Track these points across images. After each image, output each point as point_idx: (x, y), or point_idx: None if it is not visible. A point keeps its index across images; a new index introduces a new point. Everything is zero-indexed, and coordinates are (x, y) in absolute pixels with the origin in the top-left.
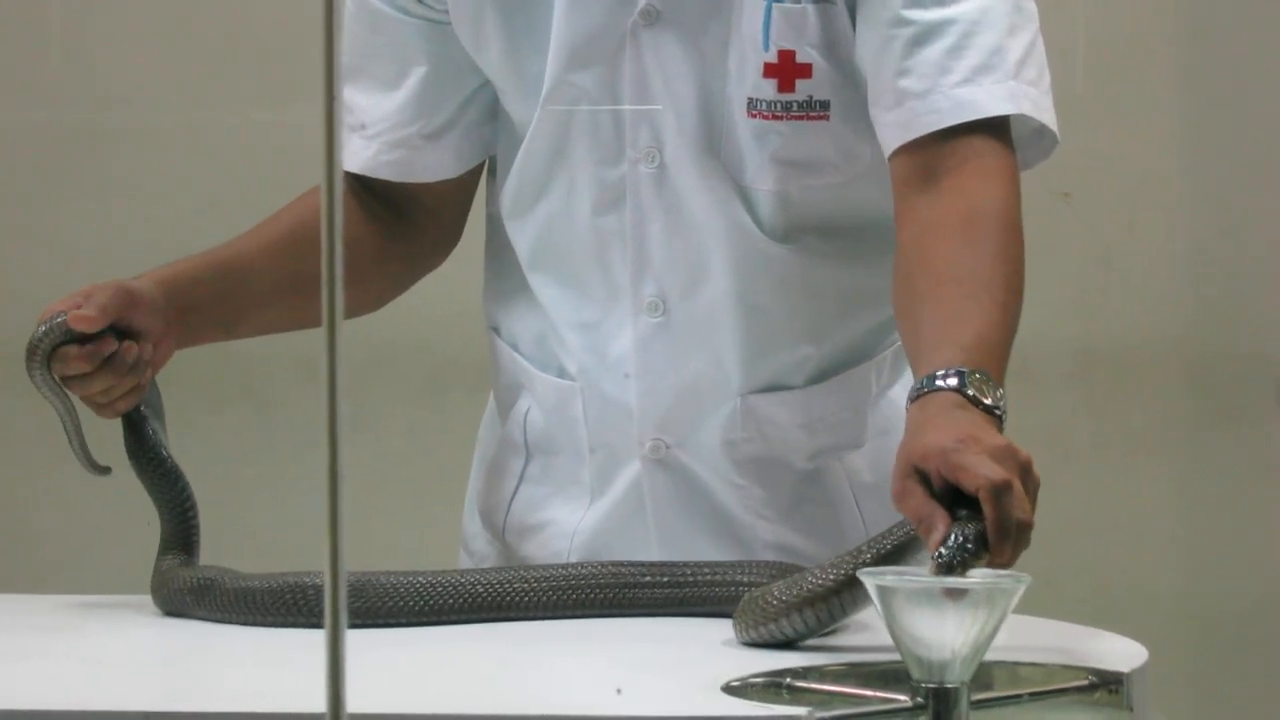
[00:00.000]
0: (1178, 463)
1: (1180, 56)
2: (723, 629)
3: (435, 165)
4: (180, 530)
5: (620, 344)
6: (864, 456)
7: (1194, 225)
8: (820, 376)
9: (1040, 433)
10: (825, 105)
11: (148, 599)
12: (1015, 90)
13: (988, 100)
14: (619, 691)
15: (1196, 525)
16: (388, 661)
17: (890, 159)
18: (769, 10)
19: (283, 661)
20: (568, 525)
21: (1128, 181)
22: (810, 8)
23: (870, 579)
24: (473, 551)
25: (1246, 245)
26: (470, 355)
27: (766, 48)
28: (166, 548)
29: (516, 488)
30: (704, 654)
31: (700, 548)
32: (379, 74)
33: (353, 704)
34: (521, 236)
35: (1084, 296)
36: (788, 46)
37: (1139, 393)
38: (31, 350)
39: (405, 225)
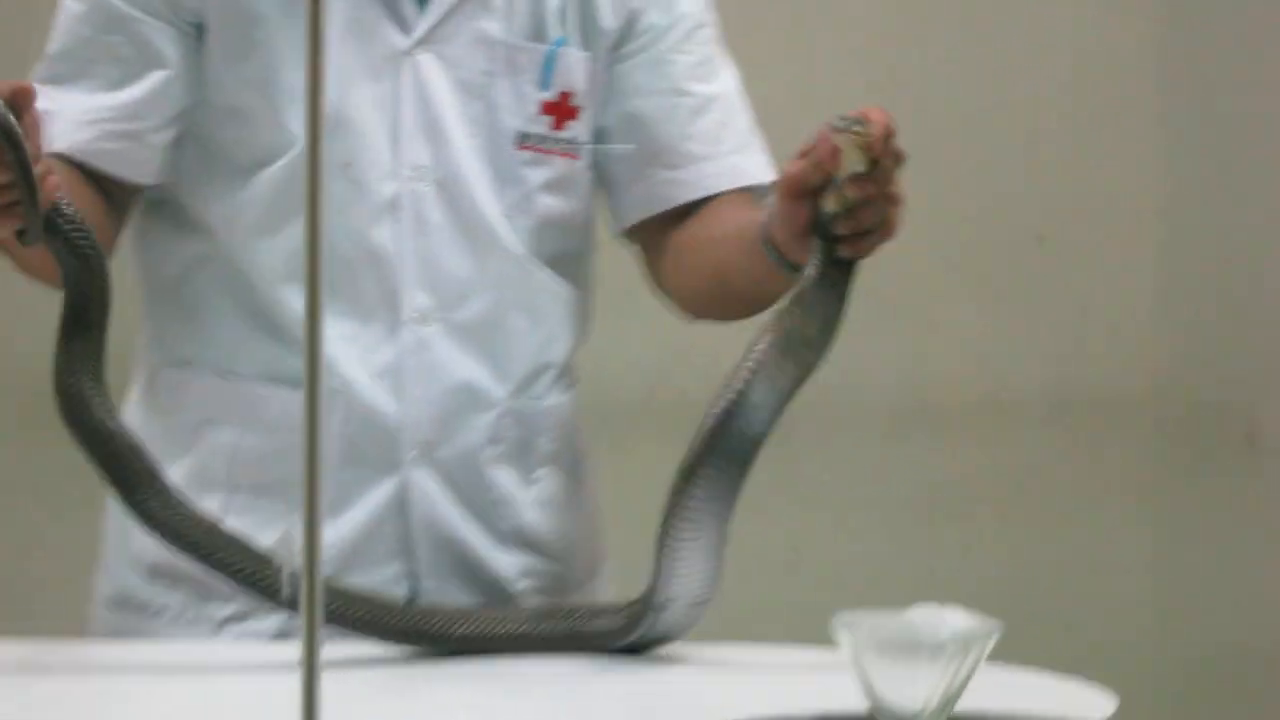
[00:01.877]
0: (1151, 509)
1: (1159, 101)
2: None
3: (157, 167)
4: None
5: (385, 354)
6: None
7: (1170, 271)
8: (567, 388)
9: (1014, 477)
10: (579, 147)
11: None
12: (767, 161)
13: (755, 169)
14: None
15: (1169, 572)
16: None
17: (664, 210)
18: (553, 53)
19: None
20: None
21: (1104, 226)
22: (584, 56)
23: (843, 627)
24: (142, 605)
25: (1222, 292)
26: None
27: (547, 87)
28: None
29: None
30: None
31: (466, 551)
32: (109, 74)
33: None
34: (270, 252)
35: (1059, 341)
36: (565, 89)
37: (1113, 438)
38: None
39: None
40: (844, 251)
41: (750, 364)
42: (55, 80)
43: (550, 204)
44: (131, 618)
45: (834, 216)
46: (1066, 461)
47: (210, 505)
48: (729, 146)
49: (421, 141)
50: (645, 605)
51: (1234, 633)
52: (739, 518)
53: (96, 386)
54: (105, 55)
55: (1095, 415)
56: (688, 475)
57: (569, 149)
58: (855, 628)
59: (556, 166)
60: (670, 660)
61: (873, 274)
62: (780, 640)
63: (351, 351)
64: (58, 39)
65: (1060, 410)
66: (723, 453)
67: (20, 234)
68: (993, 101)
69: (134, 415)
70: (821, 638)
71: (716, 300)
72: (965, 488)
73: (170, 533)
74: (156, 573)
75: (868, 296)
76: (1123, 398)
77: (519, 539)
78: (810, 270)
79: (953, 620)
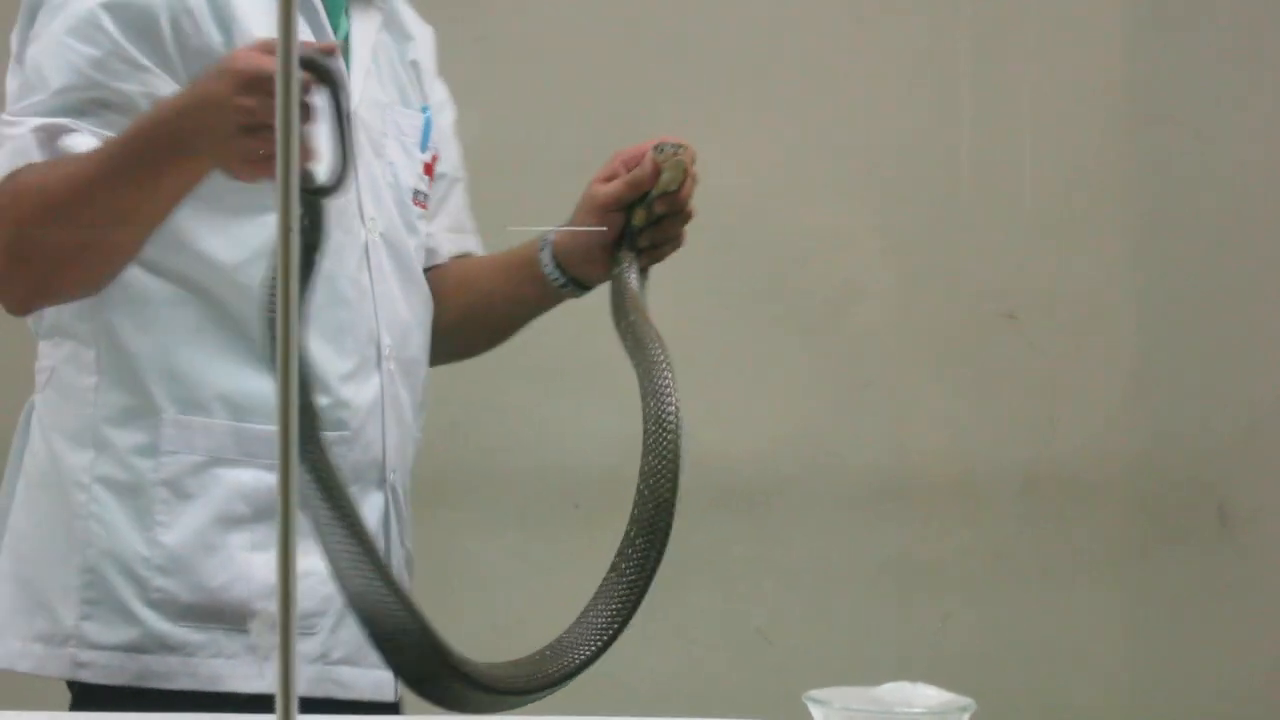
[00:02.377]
0: (1123, 585)
1: (1130, 186)
2: None
3: None
4: None
5: (371, 389)
6: None
7: (1140, 349)
8: None
9: (989, 554)
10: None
11: None
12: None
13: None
14: None
15: (1142, 646)
16: None
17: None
18: (428, 119)
19: None
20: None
21: (1075, 304)
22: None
23: (815, 704)
24: (179, 645)
25: (1192, 371)
26: None
27: (425, 149)
28: None
29: (250, 557)
30: None
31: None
32: (119, 121)
33: None
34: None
35: (1031, 418)
36: (434, 150)
37: (1086, 515)
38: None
39: None
40: (644, 260)
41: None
42: (61, 114)
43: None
44: (170, 659)
45: (641, 229)
46: (1040, 538)
47: (240, 540)
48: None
49: (368, 194)
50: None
51: (1206, 704)
52: (716, 591)
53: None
54: (118, 101)
55: (1068, 493)
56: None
57: (427, 202)
58: (828, 704)
59: (425, 218)
60: None
61: (849, 353)
62: (754, 715)
63: (351, 386)
64: (63, 75)
65: (1034, 488)
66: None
67: (321, 190)
68: (967, 186)
69: (89, 461)
70: (797, 713)
71: (472, 332)
72: (940, 564)
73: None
74: (189, 614)
75: (844, 375)
76: (1096, 475)
77: None
78: (629, 275)
79: (926, 696)
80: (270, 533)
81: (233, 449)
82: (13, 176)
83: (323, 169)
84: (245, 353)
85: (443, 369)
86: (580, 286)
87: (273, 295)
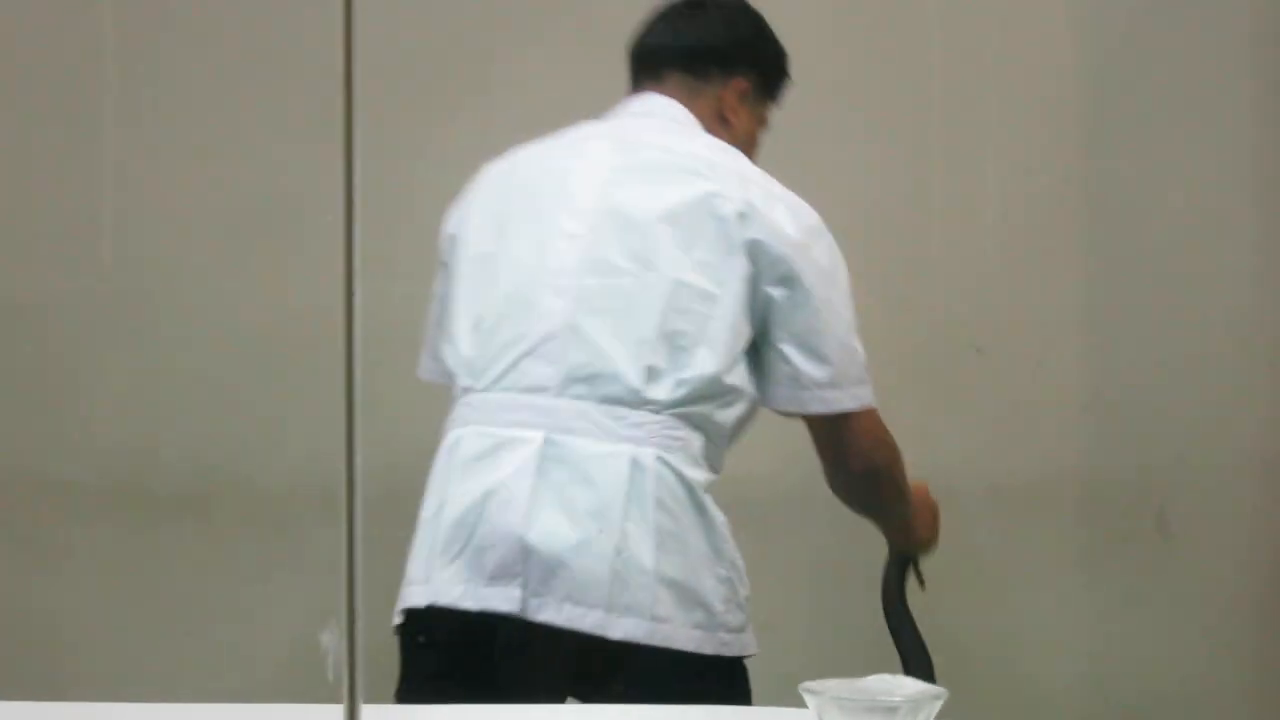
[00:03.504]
0: (1074, 583)
1: (1083, 228)
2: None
3: None
4: None
5: None
6: None
7: (1089, 376)
8: None
9: (958, 555)
10: None
11: None
12: None
13: None
14: None
15: (1091, 638)
16: None
17: None
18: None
19: None
20: None
21: (1033, 335)
22: None
23: (808, 693)
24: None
25: (1134, 395)
26: None
27: None
28: None
29: None
30: None
31: None
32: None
33: None
34: None
35: (995, 436)
36: None
37: (1041, 521)
38: None
39: None
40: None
41: None
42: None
43: None
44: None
45: None
46: (1002, 542)
47: None
48: None
49: None
50: None
51: (1149, 688)
52: None
53: None
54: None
55: (1026, 502)
56: None
57: None
58: (820, 694)
59: None
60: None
61: None
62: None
63: None
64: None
65: (998, 495)
66: None
67: None
68: (937, 231)
69: None
70: (793, 701)
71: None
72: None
73: None
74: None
75: None
76: (1051, 487)
77: None
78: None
79: (905, 686)
80: None
81: None
82: None
83: None
84: None
85: None
86: None
87: None
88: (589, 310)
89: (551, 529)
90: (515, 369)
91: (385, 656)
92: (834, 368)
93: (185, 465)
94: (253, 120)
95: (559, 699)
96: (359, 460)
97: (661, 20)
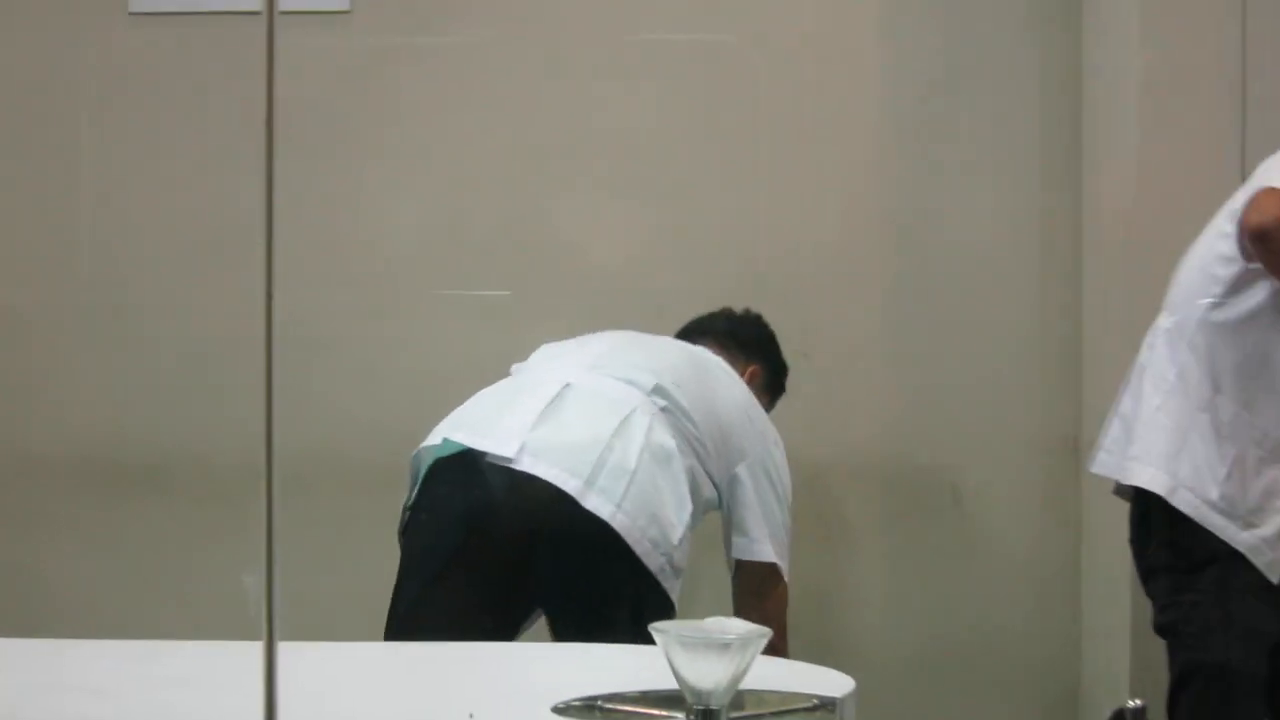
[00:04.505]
0: (883, 543)
1: (891, 243)
2: (555, 659)
3: None
4: None
5: None
6: None
7: (896, 374)
8: None
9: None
10: None
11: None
12: None
13: None
14: (471, 716)
15: (895, 590)
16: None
17: None
18: None
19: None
20: None
21: (848, 344)
22: None
23: (658, 633)
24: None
25: (931, 389)
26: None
27: None
28: None
29: None
30: (539, 681)
31: None
32: None
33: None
34: None
35: (818, 425)
36: None
37: (855, 494)
38: None
39: None
40: None
41: None
42: None
43: None
44: None
45: None
46: (819, 511)
47: None
48: None
49: None
50: None
51: (943, 631)
52: None
53: None
54: None
55: (844, 479)
56: None
57: None
58: (665, 632)
59: None
60: (535, 654)
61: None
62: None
63: None
64: None
65: (817, 475)
66: None
67: None
68: (773, 264)
69: None
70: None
71: None
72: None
73: None
74: None
75: None
76: (864, 464)
77: None
78: None
79: (735, 627)
80: None
81: None
82: None
83: None
84: None
85: None
86: None
87: None
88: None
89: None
90: None
91: (304, 600)
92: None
93: (147, 444)
94: (197, 164)
95: (529, 549)
96: (276, 435)
97: None
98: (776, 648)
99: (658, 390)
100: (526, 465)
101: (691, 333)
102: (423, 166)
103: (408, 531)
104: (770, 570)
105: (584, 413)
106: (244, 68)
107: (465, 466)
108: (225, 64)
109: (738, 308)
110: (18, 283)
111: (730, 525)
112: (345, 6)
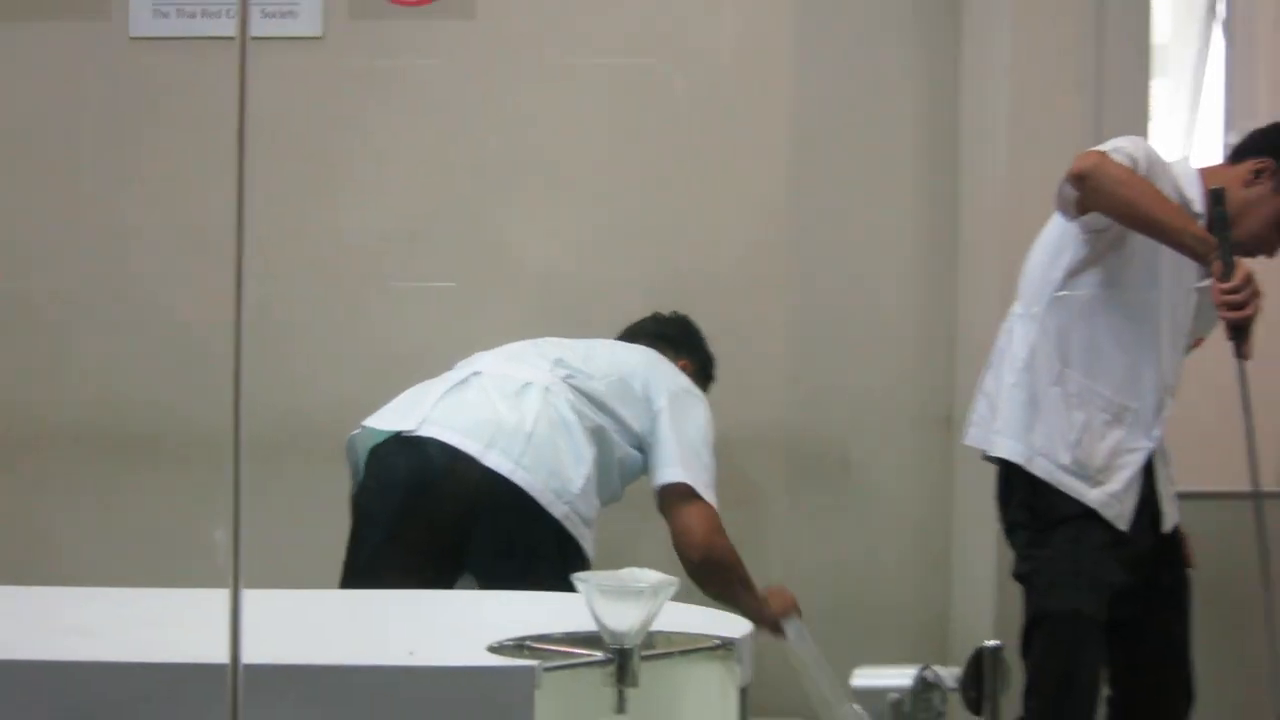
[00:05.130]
0: (782, 504)
1: (789, 243)
2: (489, 605)
3: None
4: None
5: None
6: None
7: (792, 357)
8: None
9: None
10: None
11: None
12: None
13: None
14: (411, 653)
15: (793, 544)
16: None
17: None
18: None
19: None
20: None
21: (753, 331)
22: None
23: (579, 582)
24: None
25: (824, 370)
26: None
27: None
28: None
29: None
30: (475, 624)
31: None
32: None
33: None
34: None
35: (725, 402)
36: None
37: (759, 462)
38: None
39: None
40: None
41: None
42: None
43: None
44: None
45: None
46: (734, 477)
47: None
48: None
49: None
50: None
51: (832, 579)
52: None
53: None
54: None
55: (748, 448)
56: None
57: None
58: (587, 581)
59: None
60: (471, 600)
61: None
62: None
63: None
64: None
65: (728, 446)
66: None
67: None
68: (687, 255)
69: None
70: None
71: None
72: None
73: None
74: None
75: None
76: (767, 437)
77: None
78: None
79: (648, 576)
80: None
81: None
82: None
83: None
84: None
85: None
86: None
87: None
88: None
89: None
90: None
91: (269, 552)
92: None
93: (140, 414)
94: (188, 170)
95: (444, 510)
96: (243, 406)
97: None
98: (725, 565)
99: (559, 363)
100: (428, 433)
101: (624, 338)
102: (384, 173)
103: (353, 504)
104: (682, 490)
105: (485, 391)
106: (230, 86)
107: (385, 448)
108: (213, 82)
109: (664, 309)
110: (27, 273)
111: (651, 463)
112: (318, 33)
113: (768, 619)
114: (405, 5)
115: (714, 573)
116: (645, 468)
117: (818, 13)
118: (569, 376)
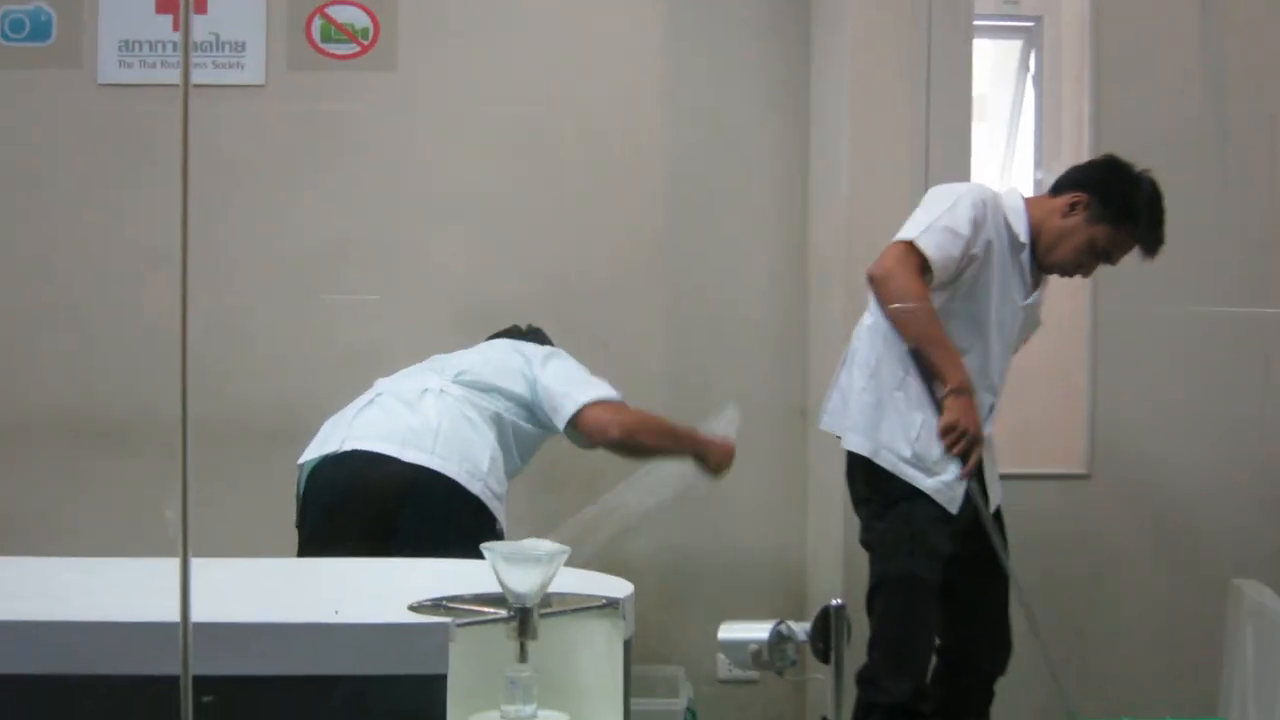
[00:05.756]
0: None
1: (665, 255)
2: (408, 570)
3: None
4: None
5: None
6: None
7: (667, 353)
8: None
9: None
10: None
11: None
12: None
13: None
14: (336, 612)
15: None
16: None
17: None
18: None
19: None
20: None
21: (635, 332)
22: None
23: (487, 550)
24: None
25: (694, 363)
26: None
27: None
28: None
29: None
30: (396, 587)
31: None
32: None
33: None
34: None
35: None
36: None
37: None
38: None
39: None
40: None
41: None
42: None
43: None
44: None
45: None
46: (596, 464)
47: None
48: None
49: None
50: None
51: (702, 550)
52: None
53: None
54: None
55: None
56: None
57: None
58: (494, 550)
59: None
60: (394, 566)
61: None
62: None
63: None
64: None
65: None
66: None
67: None
68: (577, 263)
69: None
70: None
71: None
72: (579, 468)
73: None
74: None
75: None
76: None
77: None
78: None
79: (544, 545)
80: None
81: None
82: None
83: None
84: None
85: None
86: None
87: None
88: None
89: (373, 416)
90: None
91: (217, 526)
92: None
93: (104, 409)
94: (145, 198)
95: (386, 509)
96: (189, 398)
97: None
98: (640, 423)
99: (446, 368)
100: (350, 447)
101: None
102: (319, 202)
103: (299, 519)
104: (583, 409)
105: (390, 405)
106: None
107: (320, 470)
108: (170, 122)
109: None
110: (2, 285)
111: (549, 414)
112: (261, 81)
113: (704, 444)
114: (336, 59)
115: (635, 434)
116: (542, 437)
117: (684, 67)
118: (457, 375)
